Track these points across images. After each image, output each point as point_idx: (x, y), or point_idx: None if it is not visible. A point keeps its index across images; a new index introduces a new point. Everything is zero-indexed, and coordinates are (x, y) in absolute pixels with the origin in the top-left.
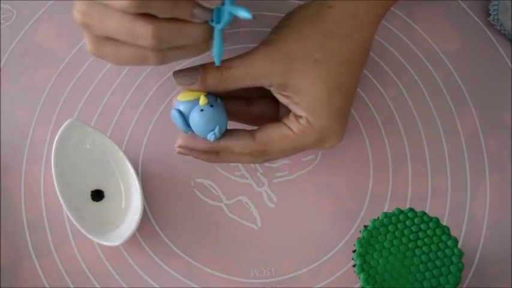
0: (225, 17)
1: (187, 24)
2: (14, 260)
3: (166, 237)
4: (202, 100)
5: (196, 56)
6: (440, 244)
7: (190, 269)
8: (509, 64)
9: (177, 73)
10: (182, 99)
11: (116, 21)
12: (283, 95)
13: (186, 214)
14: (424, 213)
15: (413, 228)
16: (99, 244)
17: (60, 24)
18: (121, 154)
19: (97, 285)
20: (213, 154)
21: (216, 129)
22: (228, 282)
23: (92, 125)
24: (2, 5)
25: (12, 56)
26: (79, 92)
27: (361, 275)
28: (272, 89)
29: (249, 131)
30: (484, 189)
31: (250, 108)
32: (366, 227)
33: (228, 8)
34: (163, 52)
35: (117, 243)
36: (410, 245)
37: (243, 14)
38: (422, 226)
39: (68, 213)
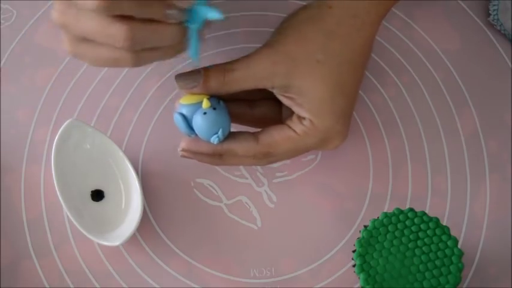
0: (199, 17)
1: (162, 25)
2: (14, 260)
3: (166, 237)
4: (205, 103)
5: (173, 57)
6: (440, 244)
7: (190, 269)
8: (509, 64)
9: (179, 77)
10: (185, 102)
11: (90, 21)
12: (286, 97)
13: (186, 214)
14: (424, 213)
15: (413, 228)
16: (99, 244)
17: None
18: (121, 154)
19: (97, 285)
20: (216, 157)
21: (220, 132)
22: (228, 282)
23: (92, 125)
24: (2, 5)
25: (12, 56)
26: (79, 92)
27: (361, 275)
28: (275, 91)
29: (253, 133)
30: (484, 189)
31: (253, 110)
32: (366, 227)
33: (198, 9)
34: (138, 53)
35: (117, 243)
36: (410, 245)
37: (213, 14)
38: (422, 226)
39: (68, 213)
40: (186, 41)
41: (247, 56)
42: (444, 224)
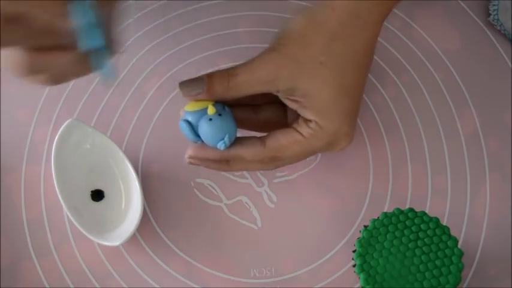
0: (89, 42)
1: (61, 52)
2: (14, 260)
3: (166, 237)
4: (211, 109)
5: (82, 76)
6: (440, 244)
7: (190, 269)
8: (509, 64)
9: (183, 84)
10: (189, 109)
11: None
12: (292, 100)
13: (186, 214)
14: (424, 213)
15: (413, 228)
16: (99, 244)
17: None
18: (121, 154)
19: (97, 285)
20: (223, 163)
21: (226, 138)
22: (228, 282)
23: (92, 125)
24: None
25: None
26: (79, 92)
27: (361, 275)
28: (280, 95)
29: (259, 138)
30: (484, 189)
31: (257, 115)
32: (366, 227)
33: (85, 34)
34: (38, 76)
35: (117, 243)
36: (410, 245)
37: (94, 42)
38: (422, 226)
39: (68, 213)
40: (92, 63)
41: (250, 61)
42: (444, 224)
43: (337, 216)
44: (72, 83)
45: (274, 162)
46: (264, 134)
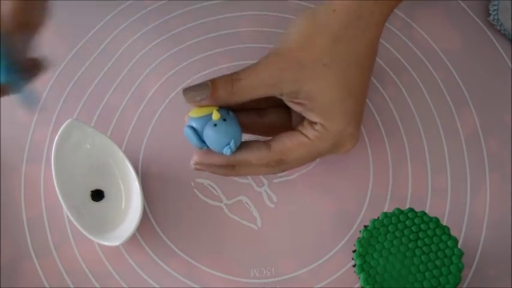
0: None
1: None
2: (14, 260)
3: (166, 237)
4: (215, 115)
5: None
6: (440, 244)
7: (190, 269)
8: (509, 64)
9: (187, 90)
10: (194, 115)
11: None
12: (296, 103)
13: (186, 214)
14: (424, 213)
15: (413, 228)
16: (99, 244)
17: (60, 24)
18: (121, 154)
19: (97, 285)
20: (230, 168)
21: (232, 143)
22: (228, 282)
23: (92, 125)
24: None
25: None
26: (79, 92)
27: (361, 275)
28: (284, 98)
29: (264, 142)
30: (484, 189)
31: (262, 119)
32: (366, 227)
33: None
34: None
35: (117, 243)
36: (410, 245)
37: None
38: (422, 226)
39: (68, 213)
40: (10, 90)
41: (253, 65)
42: (444, 224)
43: (337, 216)
44: (72, 83)
45: (280, 165)
46: (269, 137)
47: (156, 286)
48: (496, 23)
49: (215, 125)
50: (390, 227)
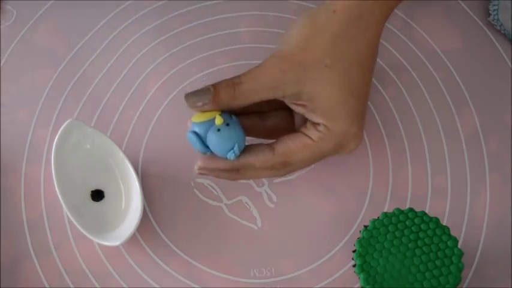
0: None
1: None
2: (14, 260)
3: (166, 237)
4: (218, 120)
5: None
6: (440, 244)
7: (190, 269)
8: (509, 64)
9: (188, 96)
10: (197, 120)
11: None
12: (298, 104)
13: (186, 214)
14: (424, 213)
15: (413, 228)
16: (99, 244)
17: (60, 24)
18: (121, 154)
19: (97, 285)
20: (234, 172)
21: (235, 147)
22: (228, 282)
23: (92, 125)
24: (2, 5)
25: (12, 56)
26: (79, 92)
27: (361, 275)
28: (286, 100)
29: (268, 145)
30: (484, 189)
31: (264, 122)
32: (366, 227)
33: None
34: None
35: (117, 243)
36: (410, 245)
37: None
38: (422, 226)
39: (68, 213)
40: None
41: (255, 68)
42: (444, 224)
43: (337, 216)
44: (72, 83)
45: (284, 168)
46: (272, 140)
47: (156, 286)
48: (496, 23)
49: (218, 130)
50: (390, 227)
